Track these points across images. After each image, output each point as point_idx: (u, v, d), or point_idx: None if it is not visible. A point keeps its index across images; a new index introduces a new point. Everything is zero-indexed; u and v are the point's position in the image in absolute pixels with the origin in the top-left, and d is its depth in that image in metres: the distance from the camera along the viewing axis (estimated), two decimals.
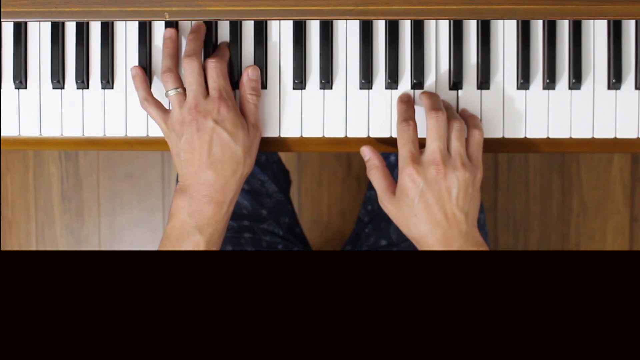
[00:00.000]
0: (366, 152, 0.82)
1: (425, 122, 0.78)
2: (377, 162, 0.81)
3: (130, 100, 0.84)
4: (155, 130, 0.84)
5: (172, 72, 0.80)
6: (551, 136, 0.84)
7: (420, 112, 0.82)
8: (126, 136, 0.84)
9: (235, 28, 0.84)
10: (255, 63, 0.83)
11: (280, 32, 0.84)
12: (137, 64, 0.84)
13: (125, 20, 0.84)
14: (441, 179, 0.76)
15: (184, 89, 0.80)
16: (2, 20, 0.83)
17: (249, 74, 0.82)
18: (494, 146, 0.84)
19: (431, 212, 0.76)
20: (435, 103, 0.79)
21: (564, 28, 0.83)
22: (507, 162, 1.62)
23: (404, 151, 0.78)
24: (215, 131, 0.77)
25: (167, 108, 0.82)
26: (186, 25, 0.84)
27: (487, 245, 0.78)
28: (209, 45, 0.83)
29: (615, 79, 0.82)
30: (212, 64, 0.80)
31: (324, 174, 1.63)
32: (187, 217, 0.78)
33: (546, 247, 1.63)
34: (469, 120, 0.81)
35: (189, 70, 0.79)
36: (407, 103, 0.82)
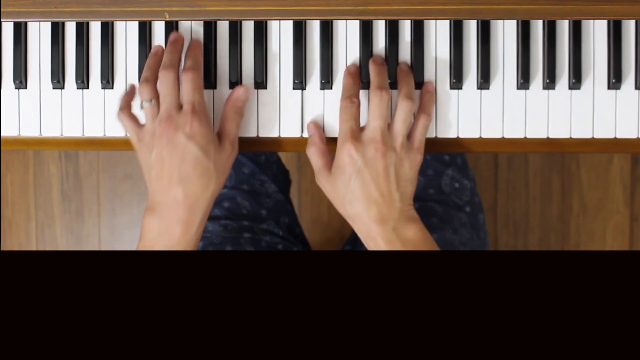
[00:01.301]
0: (311, 128, 0.82)
1: (369, 100, 0.79)
2: (317, 140, 0.81)
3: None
4: None
5: (149, 83, 0.79)
6: (551, 136, 0.83)
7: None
8: (126, 136, 0.84)
9: (235, 28, 0.84)
10: (255, 63, 0.83)
11: (280, 32, 0.84)
12: (137, 64, 0.84)
13: (125, 20, 0.84)
14: (380, 158, 0.76)
15: (158, 102, 0.79)
16: (2, 20, 0.83)
17: (239, 93, 0.81)
18: (494, 146, 0.84)
19: (367, 190, 0.76)
20: (381, 81, 0.79)
21: (564, 28, 0.83)
22: (507, 162, 1.62)
23: (345, 127, 0.78)
24: (186, 146, 0.76)
25: (143, 124, 0.81)
26: (186, 26, 0.84)
27: (421, 222, 0.79)
28: (210, 45, 0.83)
29: (615, 79, 0.82)
30: (187, 77, 0.78)
31: None
32: (157, 236, 0.77)
33: (546, 247, 1.63)
34: (423, 104, 0.81)
35: (164, 81, 0.78)
36: (353, 77, 0.81)
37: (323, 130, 0.83)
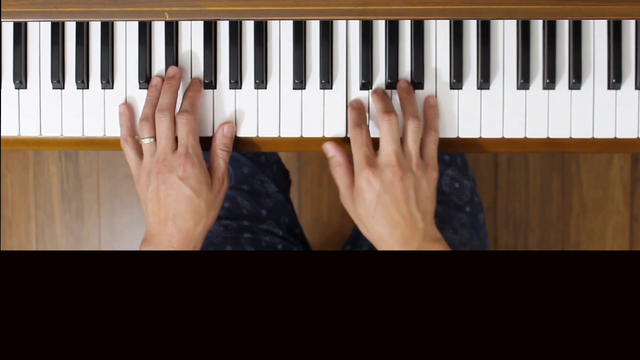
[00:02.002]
0: (329, 149, 0.82)
1: (378, 125, 0.79)
2: (340, 160, 0.81)
3: (130, 100, 0.84)
4: None
5: (149, 121, 0.81)
6: (551, 136, 0.84)
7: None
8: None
9: (235, 28, 0.84)
10: (255, 63, 0.83)
11: (280, 32, 0.84)
12: (137, 64, 0.84)
13: (125, 20, 0.84)
14: (397, 181, 0.77)
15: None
16: (2, 20, 0.83)
17: (224, 130, 0.83)
18: (494, 146, 0.84)
19: (389, 214, 0.77)
20: (387, 105, 0.80)
21: (564, 28, 0.83)
22: (507, 162, 1.62)
23: (359, 154, 0.79)
24: (180, 187, 0.79)
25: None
26: (186, 26, 0.84)
27: (444, 241, 0.80)
28: (210, 45, 0.83)
29: (615, 79, 0.82)
30: (182, 121, 0.80)
31: (324, 174, 1.63)
32: None
33: (546, 247, 1.63)
34: (427, 121, 0.82)
35: (160, 124, 0.80)
36: (357, 109, 0.82)
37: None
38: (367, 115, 0.83)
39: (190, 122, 0.80)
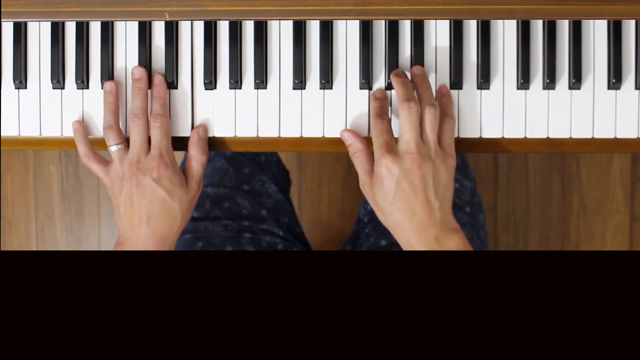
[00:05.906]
0: (347, 136, 0.82)
1: (398, 112, 0.79)
2: (359, 145, 0.81)
3: (129, 101, 0.84)
4: None
5: (113, 128, 0.81)
6: (551, 136, 0.84)
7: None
8: (126, 136, 0.84)
9: (235, 28, 0.84)
10: (255, 63, 0.83)
11: (280, 32, 0.84)
12: (137, 64, 0.84)
13: (125, 20, 0.84)
14: (416, 168, 0.77)
15: (125, 145, 0.81)
16: (2, 20, 0.84)
17: (200, 133, 0.83)
18: (494, 146, 0.84)
19: (407, 201, 0.77)
20: (407, 92, 0.79)
21: (564, 28, 0.83)
22: (507, 162, 1.62)
23: (379, 141, 0.78)
24: (154, 189, 0.79)
25: (108, 161, 0.83)
26: (186, 26, 0.84)
27: (462, 231, 0.79)
28: (210, 45, 0.83)
29: (615, 79, 0.82)
30: (156, 124, 0.81)
31: (324, 174, 1.63)
32: None
33: (546, 247, 1.63)
34: (443, 108, 0.82)
35: (135, 129, 0.81)
36: (380, 100, 0.82)
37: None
38: (389, 107, 0.83)
39: (164, 125, 0.81)
